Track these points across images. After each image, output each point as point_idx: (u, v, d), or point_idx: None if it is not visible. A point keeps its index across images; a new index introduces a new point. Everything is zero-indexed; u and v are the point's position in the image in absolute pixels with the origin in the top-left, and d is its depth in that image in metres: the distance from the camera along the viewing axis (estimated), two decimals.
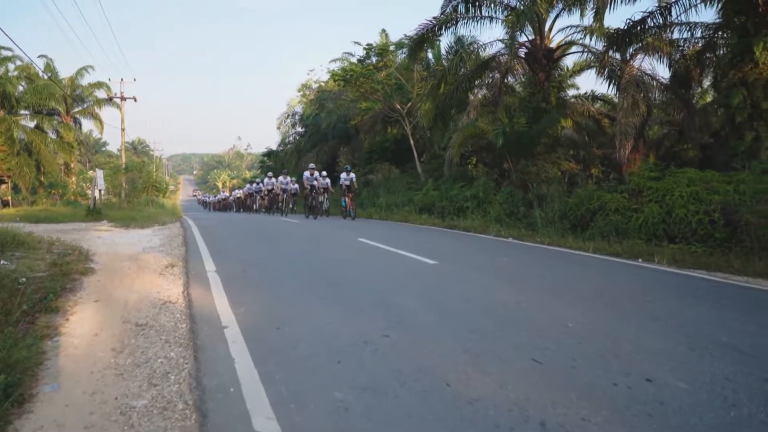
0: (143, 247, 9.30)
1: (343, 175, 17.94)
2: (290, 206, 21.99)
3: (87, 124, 38.42)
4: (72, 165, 35.70)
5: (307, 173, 19.10)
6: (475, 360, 3.30)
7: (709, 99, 17.92)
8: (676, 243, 8.37)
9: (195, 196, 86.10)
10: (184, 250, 8.92)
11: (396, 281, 6.06)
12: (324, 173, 19.38)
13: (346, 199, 17.50)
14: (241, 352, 3.52)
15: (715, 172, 9.71)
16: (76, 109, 35.52)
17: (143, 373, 3.24)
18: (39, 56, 37.96)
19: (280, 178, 22.26)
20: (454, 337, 3.75)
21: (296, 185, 22.04)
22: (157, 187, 33.00)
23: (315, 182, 18.65)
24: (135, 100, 32.73)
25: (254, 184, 29.35)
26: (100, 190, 19.00)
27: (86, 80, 35.14)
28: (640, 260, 7.61)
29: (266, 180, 24.91)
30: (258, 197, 27.28)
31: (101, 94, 35.22)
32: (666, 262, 7.31)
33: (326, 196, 18.66)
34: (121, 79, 32.45)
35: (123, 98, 32.57)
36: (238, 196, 37.14)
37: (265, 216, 22.37)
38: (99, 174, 19.15)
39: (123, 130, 33.27)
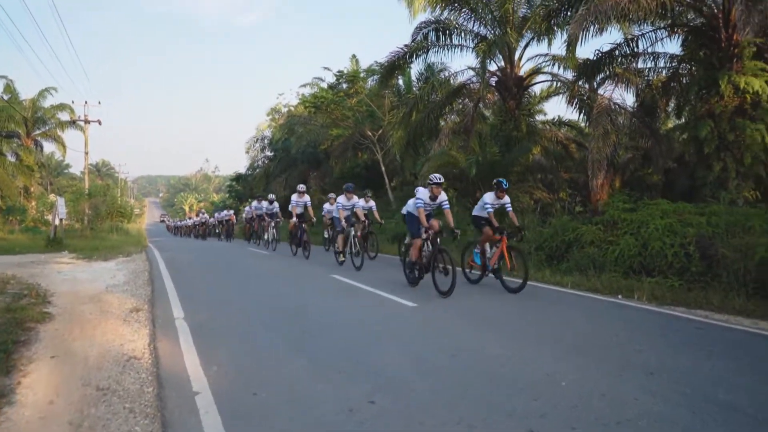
0: (106, 284, 8.88)
1: (489, 197, 8.51)
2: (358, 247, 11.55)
3: (49, 147, 37.35)
4: (32, 189, 34.55)
5: (425, 192, 8.33)
6: None
7: (671, 125, 18.40)
8: (653, 277, 8.34)
9: (163, 221, 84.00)
10: (149, 289, 8.50)
11: (376, 330, 5.76)
12: None
13: (487, 245, 8.57)
14: (215, 426, 3.20)
15: (687, 204, 9.82)
16: (38, 132, 34.50)
17: None
18: None
19: (341, 199, 12.56)
20: (444, 403, 3.49)
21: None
22: (122, 212, 32.20)
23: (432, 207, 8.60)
24: (99, 123, 32.10)
25: (264, 202, 18.90)
26: (61, 219, 18.31)
27: (48, 102, 34.22)
28: (619, 297, 7.53)
29: (294, 198, 14.65)
30: (272, 223, 17.76)
31: (64, 116, 34.41)
32: (646, 299, 7.25)
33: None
34: (85, 102, 31.97)
35: (87, 121, 31.79)
36: (226, 218, 28.49)
37: (289, 258, 14.29)
38: (60, 201, 18.48)
39: (87, 153, 32.41)
